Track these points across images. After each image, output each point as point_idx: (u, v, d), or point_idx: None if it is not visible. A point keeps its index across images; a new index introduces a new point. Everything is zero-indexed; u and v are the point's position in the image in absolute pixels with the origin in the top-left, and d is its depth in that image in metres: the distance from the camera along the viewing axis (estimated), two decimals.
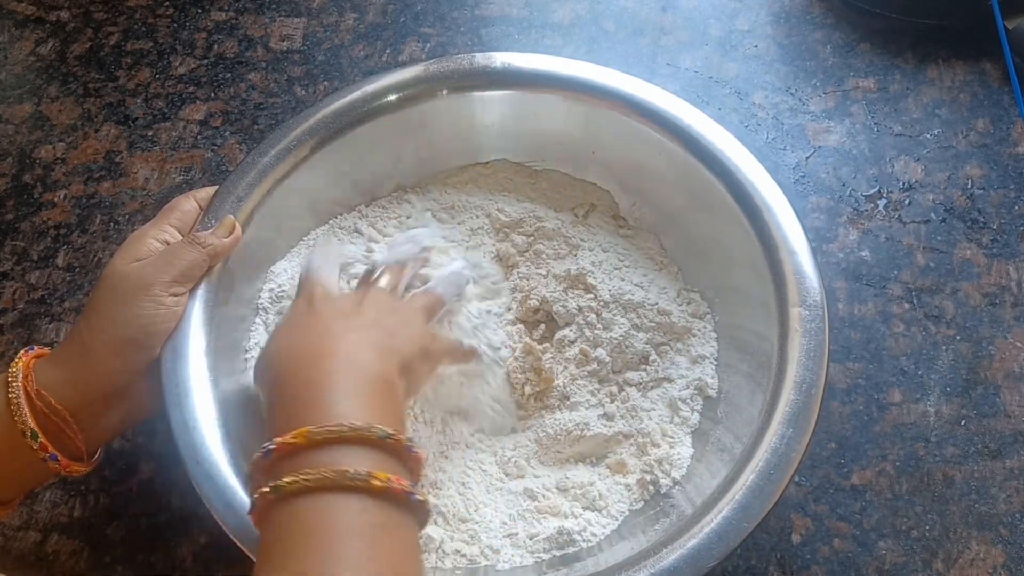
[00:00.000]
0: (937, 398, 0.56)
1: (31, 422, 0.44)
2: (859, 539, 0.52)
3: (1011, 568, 0.51)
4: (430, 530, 0.49)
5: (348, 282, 0.55)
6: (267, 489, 0.36)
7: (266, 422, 0.42)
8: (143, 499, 0.54)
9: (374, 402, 0.40)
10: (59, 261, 0.64)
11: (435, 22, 0.75)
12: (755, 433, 0.46)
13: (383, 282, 0.51)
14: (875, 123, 0.68)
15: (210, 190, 0.54)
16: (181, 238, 0.50)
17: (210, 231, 0.51)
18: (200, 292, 0.50)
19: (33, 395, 0.44)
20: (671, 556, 0.42)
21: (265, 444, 0.37)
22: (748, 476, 0.44)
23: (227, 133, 0.70)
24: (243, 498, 0.44)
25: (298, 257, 0.58)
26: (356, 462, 0.36)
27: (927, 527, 0.52)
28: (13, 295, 0.63)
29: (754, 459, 0.44)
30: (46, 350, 0.48)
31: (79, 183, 0.67)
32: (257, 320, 0.55)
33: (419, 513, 0.38)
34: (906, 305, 0.60)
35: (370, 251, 0.57)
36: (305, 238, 0.59)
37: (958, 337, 0.58)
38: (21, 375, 0.45)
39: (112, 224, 0.65)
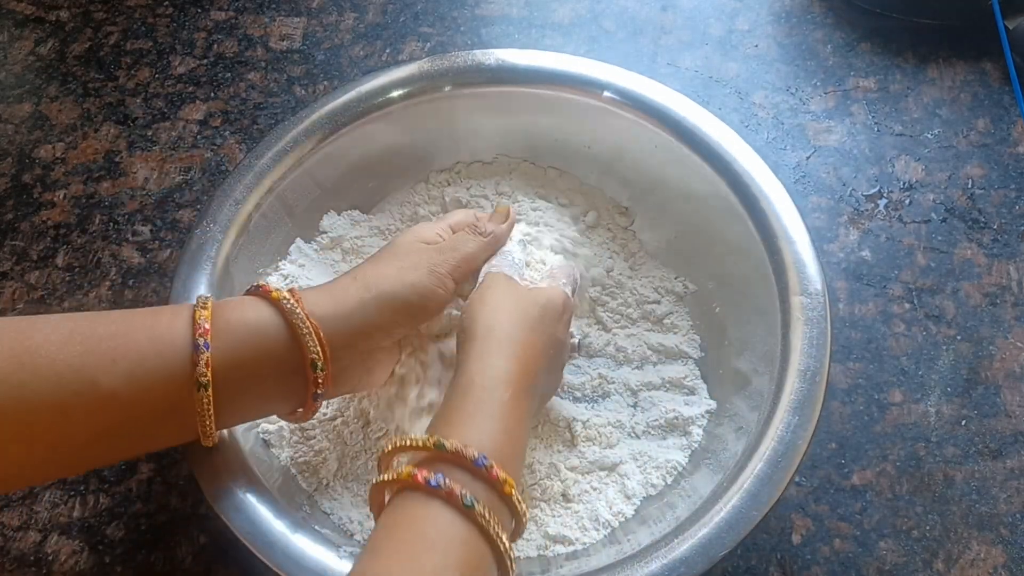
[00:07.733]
0: (938, 398, 0.56)
1: (317, 351, 0.42)
2: (859, 539, 0.52)
3: (1011, 568, 0.51)
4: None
5: None
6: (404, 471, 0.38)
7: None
8: (143, 499, 0.54)
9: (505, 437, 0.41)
10: (59, 261, 0.64)
11: (435, 22, 0.75)
12: (761, 422, 0.46)
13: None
14: (875, 123, 0.68)
15: (459, 214, 0.53)
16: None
17: (488, 219, 0.52)
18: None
19: (315, 329, 0.42)
20: (683, 546, 0.42)
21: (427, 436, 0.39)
22: (756, 465, 0.44)
23: (227, 133, 0.70)
24: (249, 502, 0.44)
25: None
26: (473, 489, 0.37)
27: (928, 527, 0.52)
28: (13, 295, 0.62)
29: (761, 448, 0.44)
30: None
31: (79, 183, 0.67)
32: None
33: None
34: (907, 305, 0.60)
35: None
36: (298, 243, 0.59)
37: (959, 337, 0.58)
38: (298, 307, 0.42)
39: (112, 224, 0.65)
